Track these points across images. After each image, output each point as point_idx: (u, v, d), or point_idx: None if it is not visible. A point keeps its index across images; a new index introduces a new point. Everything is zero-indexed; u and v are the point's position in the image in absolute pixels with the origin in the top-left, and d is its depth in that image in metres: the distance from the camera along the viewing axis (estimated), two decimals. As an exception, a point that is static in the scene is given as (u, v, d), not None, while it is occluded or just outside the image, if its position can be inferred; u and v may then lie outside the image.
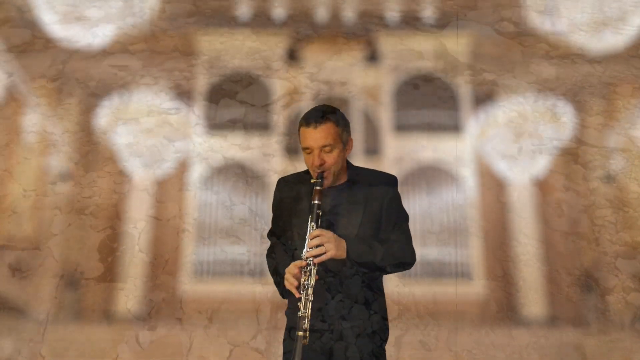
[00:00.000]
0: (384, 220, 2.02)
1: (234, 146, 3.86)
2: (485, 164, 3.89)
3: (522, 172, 3.83)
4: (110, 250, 3.61)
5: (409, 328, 3.45)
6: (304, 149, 1.99)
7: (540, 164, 3.85)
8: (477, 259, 3.65)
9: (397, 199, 2.08)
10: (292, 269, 1.91)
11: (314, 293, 1.89)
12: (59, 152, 3.84)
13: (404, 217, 2.08)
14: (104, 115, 3.95)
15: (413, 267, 2.12)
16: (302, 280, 1.88)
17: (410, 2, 4.23)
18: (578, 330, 3.48)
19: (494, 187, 3.83)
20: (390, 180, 2.09)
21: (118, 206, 3.71)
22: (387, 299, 2.10)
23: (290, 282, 1.91)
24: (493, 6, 4.15)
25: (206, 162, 3.82)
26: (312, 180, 1.97)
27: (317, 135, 1.95)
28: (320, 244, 1.89)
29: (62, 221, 3.67)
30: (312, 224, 1.91)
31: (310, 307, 1.86)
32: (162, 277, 3.57)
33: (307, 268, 1.89)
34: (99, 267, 3.58)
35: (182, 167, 3.83)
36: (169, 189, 3.78)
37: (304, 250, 1.91)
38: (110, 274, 3.57)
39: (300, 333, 1.85)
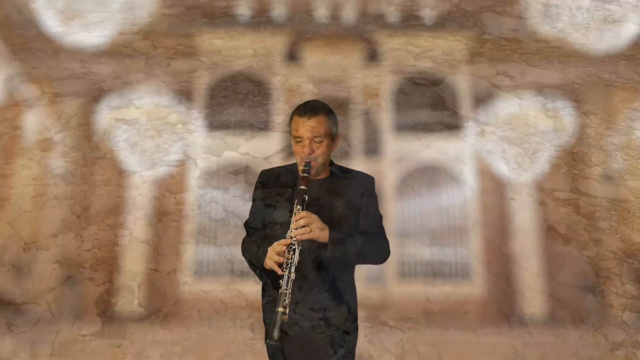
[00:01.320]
0: (362, 215, 2.09)
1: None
2: (484, 164, 3.89)
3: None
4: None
5: (409, 328, 3.35)
6: (295, 137, 2.06)
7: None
8: (477, 258, 3.61)
9: (375, 197, 2.16)
10: (276, 247, 1.95)
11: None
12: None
13: (380, 215, 2.16)
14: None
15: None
16: (286, 258, 1.91)
17: (411, 2, 4.32)
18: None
19: (493, 186, 3.83)
20: (369, 180, 2.17)
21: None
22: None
23: (273, 260, 1.93)
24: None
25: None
26: (300, 168, 2.04)
27: (309, 126, 2.03)
28: (305, 224, 1.94)
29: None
30: (298, 207, 1.97)
31: (291, 285, 1.88)
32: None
33: (291, 247, 1.93)
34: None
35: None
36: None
37: (289, 230, 1.95)
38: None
39: (281, 309, 1.85)
